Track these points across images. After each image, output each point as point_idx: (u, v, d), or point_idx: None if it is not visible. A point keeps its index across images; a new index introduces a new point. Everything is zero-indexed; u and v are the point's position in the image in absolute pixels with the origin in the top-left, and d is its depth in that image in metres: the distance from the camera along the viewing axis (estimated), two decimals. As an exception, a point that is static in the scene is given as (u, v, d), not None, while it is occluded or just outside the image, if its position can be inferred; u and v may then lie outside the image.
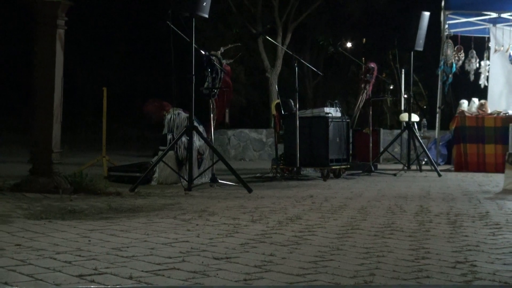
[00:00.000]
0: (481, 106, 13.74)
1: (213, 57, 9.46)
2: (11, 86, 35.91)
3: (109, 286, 2.82)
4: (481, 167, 12.70)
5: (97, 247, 3.84)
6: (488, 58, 15.07)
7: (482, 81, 15.02)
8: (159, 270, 3.19)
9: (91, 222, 4.99)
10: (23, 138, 18.84)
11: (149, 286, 2.84)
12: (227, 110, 10.56)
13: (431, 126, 15.02)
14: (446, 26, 14.05)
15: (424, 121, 15.39)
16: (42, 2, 7.21)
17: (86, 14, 26.20)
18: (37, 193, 6.82)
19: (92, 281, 2.93)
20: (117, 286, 2.82)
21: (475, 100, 13.97)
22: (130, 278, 2.99)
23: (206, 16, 8.19)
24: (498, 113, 13.39)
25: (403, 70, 13.28)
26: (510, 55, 14.93)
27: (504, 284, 2.94)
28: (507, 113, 13.34)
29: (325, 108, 11.07)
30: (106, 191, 7.29)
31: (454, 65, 14.57)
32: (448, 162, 13.75)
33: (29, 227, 4.64)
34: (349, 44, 32.73)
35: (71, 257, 3.50)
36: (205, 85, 9.21)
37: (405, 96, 13.21)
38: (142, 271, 3.16)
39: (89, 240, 4.09)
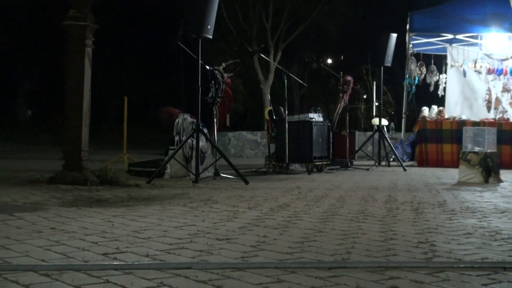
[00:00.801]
0: (440, 112, 13.77)
1: (216, 71, 9.47)
2: (47, 95, 35.84)
3: (129, 263, 2.83)
4: (439, 163, 12.72)
5: (119, 230, 3.85)
6: (445, 72, 15.12)
7: (440, 91, 15.09)
8: (171, 249, 3.19)
9: (114, 209, 4.99)
10: (56, 139, 18.82)
11: (162, 263, 2.84)
12: (227, 116, 10.56)
13: (398, 129, 15.03)
14: (410, 45, 14.08)
15: (392, 124, 15.40)
16: (72, 26, 7.21)
17: (111, 35, 26.10)
18: (68, 185, 6.82)
19: (115, 259, 2.94)
20: (136, 263, 2.83)
21: (435, 107, 14.00)
22: (147, 256, 3.00)
23: (210, 37, 8.20)
24: (454, 118, 13.43)
25: (374, 82, 13.31)
26: (463, 70, 14.98)
27: (458, 260, 2.95)
28: (461, 118, 13.39)
29: (309, 114, 11.08)
30: (127, 183, 7.30)
31: (417, 78, 14.62)
32: (412, 159, 13.76)
33: (62, 213, 4.64)
34: (329, 61, 32.81)
35: (97, 239, 3.51)
36: (209, 95, 9.21)
37: (376, 104, 13.22)
38: (157, 250, 3.16)
39: (112, 224, 4.10)
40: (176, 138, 8.95)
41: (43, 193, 6.09)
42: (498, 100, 14.76)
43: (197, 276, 2.56)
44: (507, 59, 14.72)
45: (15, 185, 6.90)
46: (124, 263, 2.83)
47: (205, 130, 8.62)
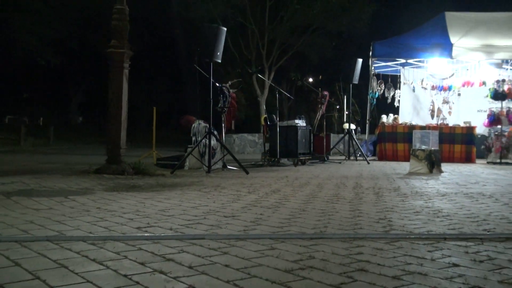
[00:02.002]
0: (395, 119, 13.79)
1: (224, 88, 9.46)
2: (94, 105, 35.91)
3: (156, 234, 2.83)
4: (395, 158, 12.72)
5: (149, 209, 3.85)
6: (399, 88, 15.14)
7: (395, 103, 15.10)
8: (189, 224, 3.19)
9: (145, 193, 4.99)
10: (101, 139, 18.79)
11: (182, 234, 2.84)
12: (233, 121, 10.58)
13: (363, 132, 15.02)
14: (373, 68, 14.07)
15: (358, 128, 15.42)
16: (113, 52, 7.20)
17: (143, 59, 26.12)
18: (110, 175, 6.82)
19: (146, 231, 2.94)
20: (162, 234, 2.83)
21: (391, 115, 14.01)
22: (170, 229, 3.01)
23: (219, 61, 8.22)
24: (406, 123, 13.44)
25: (345, 96, 13.31)
26: (413, 86, 15.03)
27: (409, 232, 2.95)
28: (411, 123, 13.42)
29: (295, 120, 11.07)
30: (155, 173, 7.29)
31: (377, 93, 14.62)
32: (373, 154, 13.75)
33: (105, 196, 4.64)
34: (310, 79, 32.85)
35: (132, 216, 3.51)
36: (219, 105, 9.21)
37: (346, 112, 13.24)
38: (178, 225, 3.17)
39: (144, 205, 4.09)
40: (193, 138, 8.97)
41: (91, 181, 6.09)
42: (439, 110, 14.82)
43: (209, 245, 2.57)
44: (446, 78, 14.78)
45: (70, 175, 6.90)
46: (153, 234, 2.83)
47: (215, 133, 8.62)
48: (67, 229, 3.00)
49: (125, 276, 2.00)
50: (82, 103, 38.46)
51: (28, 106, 39.36)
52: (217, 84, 9.08)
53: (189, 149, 8.77)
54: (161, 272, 2.05)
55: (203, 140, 8.46)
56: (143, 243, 2.59)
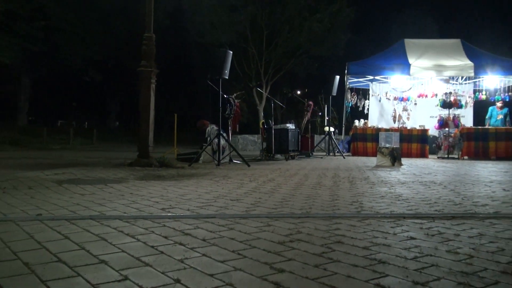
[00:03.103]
0: (365, 123, 13.79)
1: (230, 98, 9.48)
2: (128, 113, 35.89)
3: (177, 214, 2.83)
4: (365, 154, 12.73)
5: (171, 194, 3.85)
6: (369, 99, 15.15)
7: (365, 111, 15.12)
8: (203, 206, 3.19)
9: (168, 182, 4.98)
10: (133, 139, 18.79)
11: (197, 214, 2.84)
12: (237, 125, 10.59)
13: (340, 133, 15.04)
14: (347, 83, 14.10)
15: (336, 130, 15.43)
16: (143, 71, 7.21)
17: (167, 75, 26.10)
18: (141, 167, 6.82)
19: (169, 212, 2.93)
20: (181, 214, 2.83)
21: (362, 120, 14.02)
22: (188, 210, 3.00)
23: (227, 78, 8.23)
24: (373, 126, 13.45)
25: (326, 105, 13.33)
26: (379, 98, 15.03)
27: (376, 212, 2.96)
28: (378, 126, 13.42)
29: (286, 124, 11.08)
30: (176, 166, 7.27)
31: (351, 102, 14.65)
32: (348, 151, 13.76)
33: (136, 184, 4.64)
34: (298, 92, 32.84)
35: (158, 199, 3.51)
36: (226, 112, 9.23)
37: (327, 118, 13.25)
38: (194, 206, 3.16)
39: (167, 191, 4.09)
40: (208, 139, 8.98)
41: (125, 172, 6.09)
42: (400, 116, 14.85)
43: (218, 222, 2.56)
44: (405, 91, 14.80)
45: (109, 167, 6.89)
46: (174, 214, 2.83)
47: (224, 134, 8.62)
48: (106, 210, 3.00)
49: (152, 247, 2.00)
50: (118, 110, 38.48)
51: (76, 113, 39.52)
52: (225, 96, 9.10)
53: (204, 147, 8.80)
54: (181, 244, 2.06)
55: (214, 140, 8.46)
56: (166, 221, 2.59)
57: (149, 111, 7.22)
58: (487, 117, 13.48)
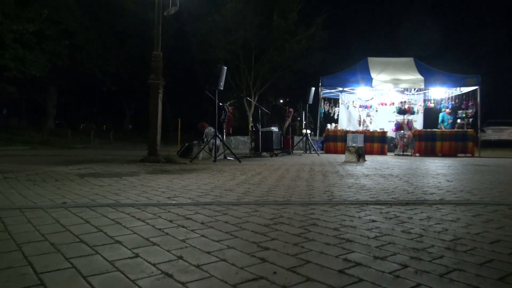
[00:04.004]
0: (336, 127, 13.87)
1: (225, 106, 9.45)
2: (140, 117, 35.58)
3: (180, 202, 2.80)
4: (335, 152, 12.79)
5: (175, 185, 3.82)
6: (339, 107, 15.22)
7: (336, 116, 15.18)
8: (201, 195, 3.17)
9: (173, 175, 4.95)
10: (143, 140, 18.65)
11: (197, 202, 2.82)
12: (230, 128, 10.57)
13: (315, 135, 15.10)
14: (321, 93, 14.15)
15: (312, 133, 15.47)
16: (152, 83, 7.14)
17: (172, 86, 25.93)
18: (150, 163, 6.76)
19: (173, 200, 2.91)
20: (184, 202, 2.81)
21: (333, 124, 14.09)
22: (189, 198, 2.98)
23: (222, 89, 8.19)
24: (343, 129, 13.53)
25: (303, 111, 13.39)
26: (347, 105, 15.11)
27: (344, 200, 2.97)
28: (346, 129, 13.49)
29: (271, 127, 11.08)
30: (180, 162, 7.22)
31: (324, 109, 14.70)
32: (322, 150, 13.84)
33: (146, 177, 4.60)
34: (281, 101, 32.83)
35: (164, 190, 3.48)
36: (221, 117, 9.20)
37: (305, 122, 13.29)
38: (195, 195, 3.14)
39: (172, 182, 4.06)
40: (205, 139, 8.94)
41: (137, 167, 6.04)
42: (364, 121, 14.95)
43: (215, 209, 2.55)
44: (368, 100, 14.90)
45: (123, 163, 6.83)
46: (178, 202, 2.81)
47: (219, 135, 8.60)
48: (121, 198, 2.97)
49: (159, 229, 1.99)
50: (132, 115, 38.15)
51: (96, 117, 39.12)
52: (220, 104, 9.07)
53: (201, 146, 8.76)
54: (183, 227, 2.04)
55: (211, 140, 8.43)
56: (171, 208, 2.57)
57: (157, 117, 7.17)
58: (439, 121, 13.67)
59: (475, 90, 12.71)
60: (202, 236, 1.85)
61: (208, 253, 1.60)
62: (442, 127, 13.40)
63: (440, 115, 13.77)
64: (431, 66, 13.85)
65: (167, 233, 1.90)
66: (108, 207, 2.59)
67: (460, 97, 13.40)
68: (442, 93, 14.08)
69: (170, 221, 2.18)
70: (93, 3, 23.30)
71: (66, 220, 2.18)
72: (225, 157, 8.78)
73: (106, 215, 2.32)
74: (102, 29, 24.85)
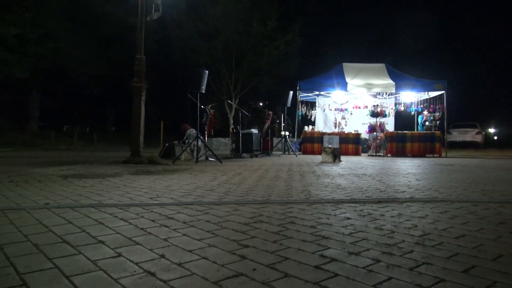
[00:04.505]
0: (313, 129, 13.97)
1: (206, 108, 9.40)
2: (123, 119, 35.02)
3: (162, 202, 2.77)
4: (313, 152, 12.89)
5: (158, 186, 3.77)
6: (315, 110, 15.36)
7: (313, 119, 15.31)
8: (184, 195, 3.14)
9: (156, 176, 4.89)
10: (126, 142, 18.40)
11: (179, 202, 2.79)
12: (212, 130, 10.52)
13: (294, 136, 15.18)
14: (299, 97, 14.23)
15: (290, 134, 15.57)
16: (135, 86, 7.03)
17: (155, 89, 25.59)
18: (133, 164, 6.66)
19: (156, 200, 2.87)
20: (166, 202, 2.77)
21: (310, 126, 14.21)
22: (171, 198, 2.94)
23: (203, 92, 8.13)
24: (319, 131, 13.64)
25: (282, 114, 13.44)
26: (324, 108, 15.26)
27: (321, 199, 2.99)
28: (323, 131, 13.61)
29: (251, 129, 11.09)
30: (162, 163, 7.13)
31: (301, 112, 14.80)
32: (300, 150, 13.93)
33: (129, 178, 4.53)
34: (261, 104, 32.85)
35: (147, 190, 3.43)
36: (203, 120, 9.14)
37: (283, 124, 13.35)
38: (177, 195, 3.11)
39: (155, 183, 4.00)
40: (186, 141, 8.86)
41: (120, 168, 5.94)
42: (339, 123, 15.13)
43: (196, 208, 2.53)
44: (343, 103, 15.09)
45: (106, 164, 6.71)
46: (160, 202, 2.77)
47: (201, 137, 8.54)
48: (104, 199, 2.91)
49: (142, 229, 1.96)
50: (115, 117, 37.52)
51: (79, 119, 38.32)
52: (202, 107, 9.02)
53: (182, 146, 8.68)
54: (165, 226, 2.02)
55: (193, 141, 8.37)
56: (154, 208, 2.54)
57: (139, 119, 7.07)
58: (419, 123, 13.96)
59: (441, 95, 13.06)
60: (184, 235, 1.84)
61: (190, 251, 1.58)
62: (417, 129, 13.69)
63: (419, 117, 14.09)
64: (402, 71, 14.16)
65: (149, 233, 1.87)
66: (91, 207, 2.53)
67: (429, 100, 13.73)
68: (411, 97, 14.39)
69: (153, 220, 2.15)
70: (76, 8, 22.82)
71: (49, 221, 2.12)
72: (206, 158, 8.73)
73: (89, 216, 2.27)
74: (86, 34, 24.36)
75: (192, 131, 8.86)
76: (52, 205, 2.60)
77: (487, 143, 26.39)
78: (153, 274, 1.33)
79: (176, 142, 9.07)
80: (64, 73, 24.84)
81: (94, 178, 4.43)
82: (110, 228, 1.97)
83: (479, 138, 21.48)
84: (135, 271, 1.36)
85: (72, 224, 2.05)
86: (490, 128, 41.18)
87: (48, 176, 4.51)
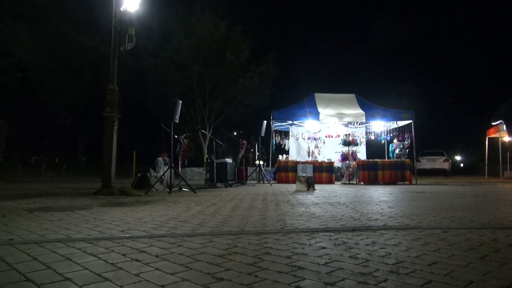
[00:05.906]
0: (287, 158, 14.07)
1: (180, 138, 9.33)
2: (94, 149, 34.20)
3: (134, 235, 2.68)
4: (287, 181, 12.93)
5: (129, 218, 3.66)
6: (289, 139, 15.55)
7: (286, 148, 15.46)
8: (156, 227, 3.06)
9: (127, 207, 4.75)
10: (97, 172, 17.88)
11: (151, 234, 2.71)
12: (185, 160, 10.41)
13: (268, 165, 15.22)
14: (273, 126, 14.38)
15: (265, 163, 15.60)
16: (107, 116, 6.94)
17: (128, 119, 25.29)
18: (104, 195, 6.46)
19: (127, 233, 2.78)
20: (138, 235, 2.69)
21: (284, 155, 14.30)
22: (144, 231, 2.86)
23: (177, 121, 8.11)
24: (293, 160, 13.75)
25: (256, 143, 13.51)
26: (297, 137, 15.46)
27: (296, 228, 2.98)
28: (296, 160, 13.73)
29: (225, 159, 11.06)
30: (135, 194, 6.95)
31: (275, 141, 14.93)
32: (274, 180, 13.93)
33: (100, 210, 4.37)
34: (235, 133, 32.98)
35: (118, 223, 3.32)
36: (177, 149, 9.05)
37: (257, 153, 13.40)
38: (149, 228, 3.02)
39: (126, 215, 3.88)
40: (152, 171, 8.72)
41: (90, 200, 5.74)
42: (312, 152, 15.33)
43: (169, 241, 2.46)
44: (316, 132, 15.36)
45: (76, 196, 6.47)
46: (131, 235, 2.68)
47: (174, 166, 8.42)
48: (72, 233, 2.79)
49: (112, 264, 1.88)
50: (86, 147, 36.59)
51: (48, 150, 37.14)
52: (176, 136, 8.96)
53: (153, 176, 8.53)
54: (137, 260, 1.95)
55: (167, 172, 8.23)
56: (125, 241, 2.45)
57: (111, 149, 6.93)
58: (390, 151, 14.30)
59: (409, 124, 13.55)
60: (157, 269, 1.78)
61: (162, 286, 1.53)
62: (389, 157, 14.03)
63: (390, 145, 14.48)
64: (371, 101, 14.65)
65: (120, 268, 1.80)
66: (58, 242, 2.41)
67: (398, 129, 14.21)
68: (381, 126, 14.85)
69: (124, 254, 2.07)
70: (47, 37, 22.60)
71: (12, 258, 2.00)
72: (180, 189, 8.58)
73: (55, 251, 2.16)
74: (57, 63, 24.02)
75: (159, 160, 8.74)
76: (16, 241, 2.47)
77: (454, 170, 27.36)
78: (123, 313, 1.27)
79: (148, 173, 8.90)
80: (34, 102, 24.23)
81: (62, 211, 4.25)
82: (78, 264, 1.88)
83: (446, 166, 22.24)
84: (104, 310, 1.29)
85: (37, 260, 1.95)
86: (457, 155, 42.80)
87: (12, 210, 4.29)
